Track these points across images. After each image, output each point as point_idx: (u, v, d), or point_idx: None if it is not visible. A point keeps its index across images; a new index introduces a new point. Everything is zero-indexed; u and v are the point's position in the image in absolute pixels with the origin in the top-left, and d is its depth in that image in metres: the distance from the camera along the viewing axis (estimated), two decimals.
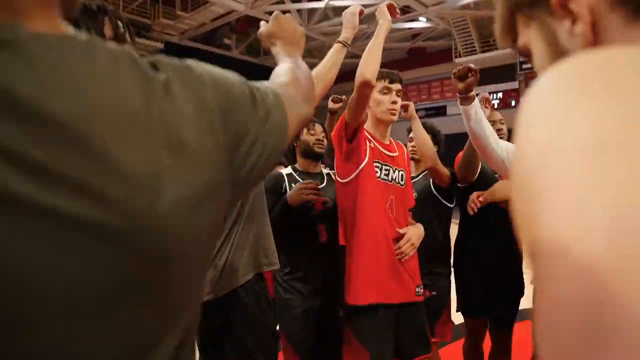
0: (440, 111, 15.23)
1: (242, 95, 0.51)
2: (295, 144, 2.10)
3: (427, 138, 2.25)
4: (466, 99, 1.70)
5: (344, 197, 1.82)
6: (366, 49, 1.71)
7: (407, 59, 15.73)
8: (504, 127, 2.31)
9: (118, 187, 0.36)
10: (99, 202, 0.35)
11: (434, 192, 2.31)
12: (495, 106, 2.21)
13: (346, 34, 1.57)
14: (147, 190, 0.38)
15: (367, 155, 1.79)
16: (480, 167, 2.18)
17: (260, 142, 0.52)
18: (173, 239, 0.41)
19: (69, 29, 0.41)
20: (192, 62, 0.48)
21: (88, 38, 0.40)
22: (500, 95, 13.68)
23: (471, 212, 2.07)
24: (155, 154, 0.39)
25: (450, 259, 2.36)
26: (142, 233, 0.38)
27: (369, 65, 1.68)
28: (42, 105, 0.34)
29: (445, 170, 2.24)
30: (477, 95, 1.76)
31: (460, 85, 1.71)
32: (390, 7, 1.74)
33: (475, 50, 13.59)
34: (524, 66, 12.90)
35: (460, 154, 2.20)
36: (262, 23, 0.94)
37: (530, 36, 0.47)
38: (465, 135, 1.83)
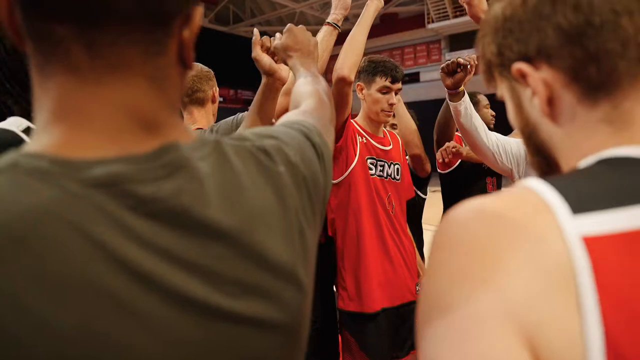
0: (414, 78, 15.18)
1: (310, 151, 0.53)
2: None
3: (413, 124, 2.13)
4: (455, 95, 1.59)
5: (336, 198, 1.70)
6: (349, 35, 1.54)
7: (378, 26, 15.50)
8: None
9: (276, 282, 0.40)
10: (266, 300, 0.39)
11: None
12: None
13: (336, 15, 1.42)
14: (294, 281, 0.42)
15: (358, 152, 1.68)
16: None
17: (328, 190, 0.55)
18: (305, 316, 0.45)
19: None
20: (277, 135, 0.50)
21: (214, 139, 0.42)
22: None
23: (439, 160, 1.98)
24: (294, 246, 0.43)
25: (423, 251, 2.26)
26: (292, 319, 0.42)
27: (348, 57, 1.49)
28: (214, 220, 0.37)
29: (427, 159, 2.15)
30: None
31: (449, 81, 1.60)
32: None
33: (448, 15, 13.49)
34: None
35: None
36: (277, 35, 0.93)
37: (503, 92, 0.50)
38: (440, 102, 1.75)
